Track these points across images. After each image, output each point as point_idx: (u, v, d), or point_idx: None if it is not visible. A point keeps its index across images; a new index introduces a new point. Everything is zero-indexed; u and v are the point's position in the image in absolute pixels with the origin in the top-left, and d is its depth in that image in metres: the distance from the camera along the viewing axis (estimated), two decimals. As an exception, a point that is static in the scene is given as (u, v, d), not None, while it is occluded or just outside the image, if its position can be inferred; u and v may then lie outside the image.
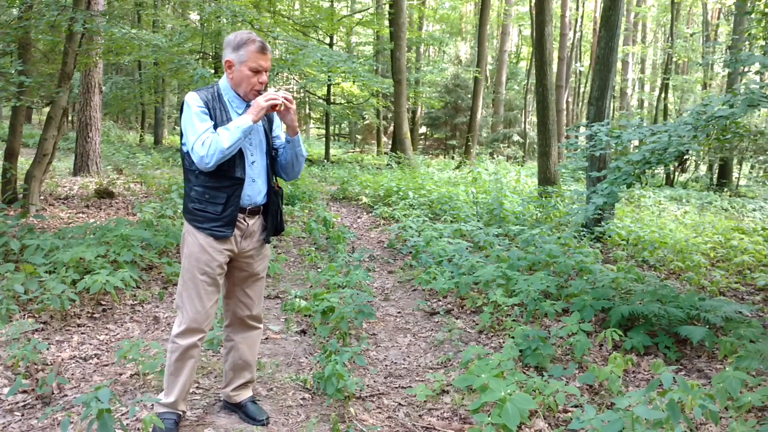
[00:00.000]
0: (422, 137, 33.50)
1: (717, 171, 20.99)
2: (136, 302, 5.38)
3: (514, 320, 5.16)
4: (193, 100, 2.92)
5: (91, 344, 4.39)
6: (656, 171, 20.64)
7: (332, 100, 24.46)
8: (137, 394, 3.58)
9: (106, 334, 4.62)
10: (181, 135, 2.98)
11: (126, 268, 5.42)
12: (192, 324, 3.02)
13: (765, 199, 16.86)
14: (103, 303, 5.22)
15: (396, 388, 3.99)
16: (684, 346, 4.82)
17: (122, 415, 3.27)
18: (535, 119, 22.79)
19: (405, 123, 19.90)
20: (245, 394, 3.40)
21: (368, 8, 26.31)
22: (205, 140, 2.83)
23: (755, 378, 3.86)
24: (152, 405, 3.25)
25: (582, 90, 34.72)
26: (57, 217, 8.39)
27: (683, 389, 3.01)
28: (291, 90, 26.57)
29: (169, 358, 3.08)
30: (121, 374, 3.86)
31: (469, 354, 4.07)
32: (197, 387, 3.71)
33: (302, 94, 29.39)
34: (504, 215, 9.84)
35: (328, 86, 22.89)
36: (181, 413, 3.15)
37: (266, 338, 4.70)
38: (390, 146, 22.45)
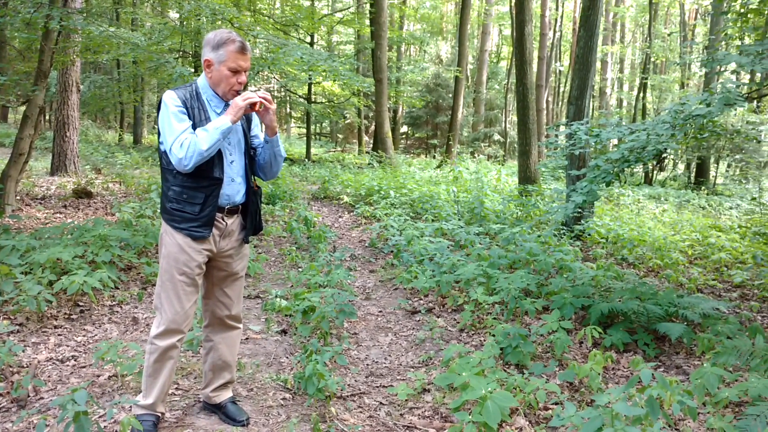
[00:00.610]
0: (403, 136, 33.52)
1: (695, 169, 21.25)
2: (114, 303, 5.32)
3: (494, 318, 5.18)
4: (171, 99, 2.89)
5: (68, 346, 4.33)
6: (635, 169, 20.87)
7: (313, 99, 24.39)
8: (115, 396, 3.54)
9: (84, 336, 4.56)
10: (159, 134, 2.95)
11: (104, 268, 5.35)
12: (171, 325, 2.99)
13: (741, 197, 17.09)
14: (81, 304, 5.15)
15: (377, 387, 3.98)
16: (663, 343, 4.86)
17: (100, 417, 3.22)
18: (515, 118, 22.91)
19: (386, 122, 19.89)
20: (225, 395, 3.37)
21: (349, 7, 26.27)
22: (183, 141, 2.80)
23: (732, 374, 3.91)
24: (130, 407, 3.21)
25: (562, 89, 34.95)
26: (33, 217, 8.27)
27: (662, 386, 3.04)
28: (271, 89, 26.45)
29: (147, 359, 3.04)
30: (98, 376, 3.81)
31: (450, 352, 4.07)
32: (176, 388, 3.67)
33: (283, 93, 29.28)
34: (485, 214, 9.87)
35: (309, 85, 22.82)
36: (159, 415, 3.12)
37: (246, 338, 4.67)
38: (371, 145, 22.44)
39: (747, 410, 3.17)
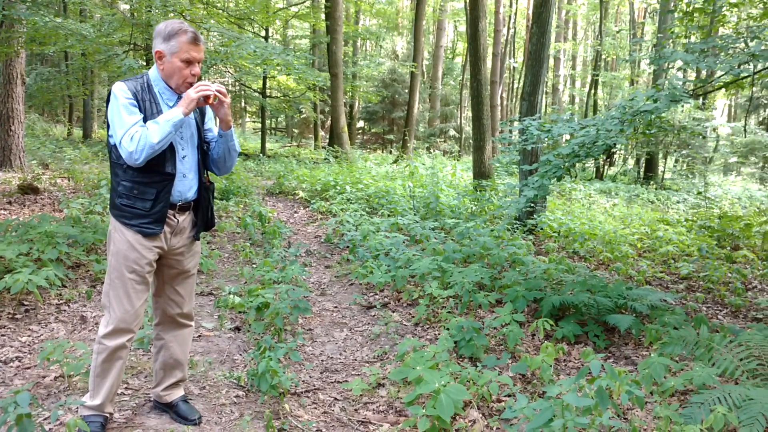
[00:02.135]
0: (360, 132, 33.49)
1: (644, 165, 21.79)
2: (61, 302, 5.17)
3: (449, 312, 5.21)
4: (121, 91, 2.81)
5: (12, 346, 4.19)
6: (586, 165, 21.27)
7: (268, 94, 24.14)
8: (62, 397, 3.44)
9: (29, 336, 4.42)
10: (108, 127, 2.87)
11: (51, 266, 5.20)
12: (120, 324, 2.92)
13: (688, 192, 17.60)
14: (26, 303, 4.99)
15: (332, 383, 3.97)
16: (612, 334, 4.97)
17: (44, 419, 3.13)
18: (469, 114, 23.07)
19: (342, 117, 19.84)
20: (176, 394, 3.31)
21: (304, 1, 26.04)
22: (133, 134, 2.73)
23: (678, 363, 4.02)
24: (77, 408, 3.12)
25: (516, 86, 35.37)
26: (-24, 214, 7.99)
27: (611, 376, 3.11)
28: (226, 83, 26.07)
29: (95, 359, 2.96)
30: (44, 377, 3.70)
31: (404, 347, 4.09)
32: (126, 387, 3.59)
33: (237, 88, 28.89)
34: (440, 209, 9.94)
35: (264, 79, 22.57)
36: (107, 415, 3.05)
37: (199, 336, 4.60)
38: (327, 140, 22.34)
39: (692, 398, 3.27)
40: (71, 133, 23.95)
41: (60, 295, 5.27)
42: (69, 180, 11.70)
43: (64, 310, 5.01)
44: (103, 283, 5.58)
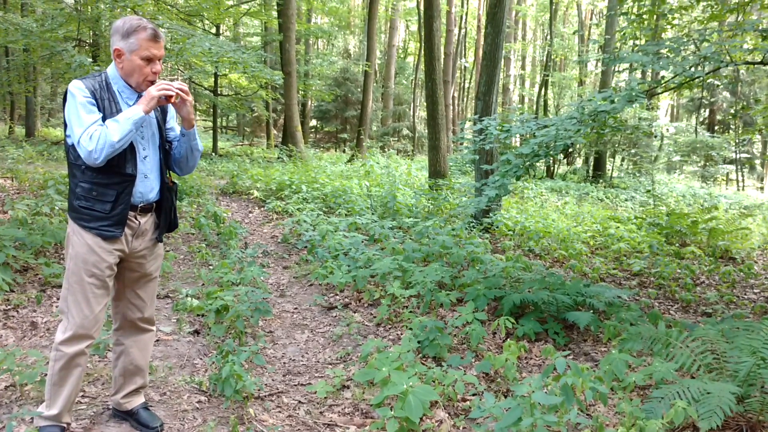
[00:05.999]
0: (313, 130, 33.31)
1: (592, 163, 22.26)
2: (9, 307, 4.97)
3: (411, 312, 5.21)
4: (79, 90, 2.71)
5: (-42, 355, 4.00)
6: (537, 164, 21.64)
7: (220, 92, 23.78)
8: (14, 407, 3.30)
9: (-24, 343, 4.24)
10: (65, 127, 2.76)
11: (-3, 270, 5.00)
12: (79, 330, 2.81)
13: (636, 190, 18.05)
14: (-28, 309, 4.78)
15: (295, 385, 3.92)
16: (571, 331, 5.05)
17: (-2, 431, 3.00)
18: (423, 113, 23.14)
19: (296, 115, 19.67)
20: (137, 401, 3.21)
21: (256, -2, 25.72)
22: (92, 133, 2.63)
23: (637, 359, 4.10)
24: (31, 419, 3.00)
25: (467, 86, 35.77)
26: None
27: (575, 373, 3.15)
28: (175, 80, 25.49)
29: (52, 367, 2.85)
30: (-6, 386, 3.55)
31: (368, 347, 4.06)
32: (83, 395, 3.47)
33: (188, 85, 28.33)
34: (398, 208, 9.95)
35: (216, 77, 22.23)
36: (65, 426, 2.93)
37: (157, 340, 4.48)
38: (280, 139, 22.13)
39: (652, 393, 3.34)
40: (13, 132, 23.13)
41: (8, 300, 5.06)
42: (12, 180, 11.28)
43: (13, 316, 4.81)
44: (54, 287, 5.41)
